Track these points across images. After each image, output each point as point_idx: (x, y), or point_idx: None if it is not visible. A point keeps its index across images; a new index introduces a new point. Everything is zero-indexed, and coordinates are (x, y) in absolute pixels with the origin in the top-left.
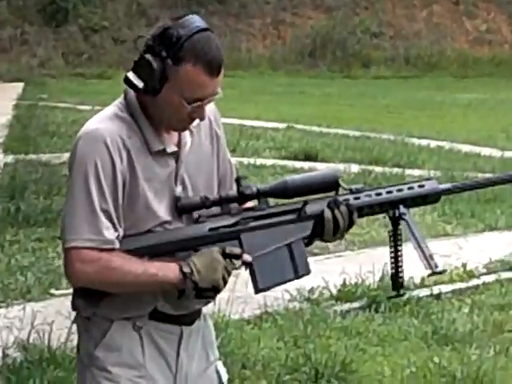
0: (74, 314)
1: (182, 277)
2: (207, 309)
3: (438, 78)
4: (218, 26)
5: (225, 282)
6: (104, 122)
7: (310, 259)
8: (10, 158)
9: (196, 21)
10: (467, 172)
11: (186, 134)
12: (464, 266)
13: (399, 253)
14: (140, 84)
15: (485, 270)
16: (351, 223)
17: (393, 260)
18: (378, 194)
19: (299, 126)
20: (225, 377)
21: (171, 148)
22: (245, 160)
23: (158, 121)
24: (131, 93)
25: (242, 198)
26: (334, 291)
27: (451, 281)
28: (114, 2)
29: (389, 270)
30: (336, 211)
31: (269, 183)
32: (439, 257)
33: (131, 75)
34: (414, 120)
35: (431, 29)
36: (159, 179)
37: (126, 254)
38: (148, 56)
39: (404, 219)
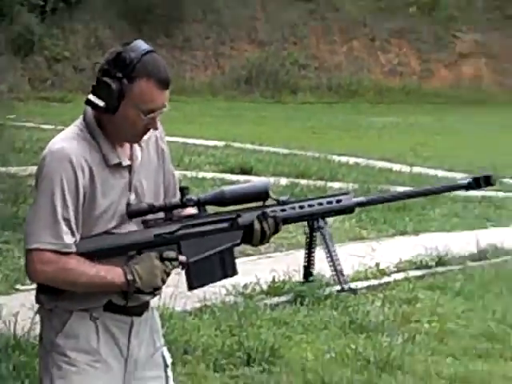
0: (37, 306)
1: (126, 282)
2: (154, 302)
3: (356, 104)
4: (166, 57)
5: (163, 282)
6: (68, 141)
7: (244, 259)
8: None
9: (142, 45)
10: (381, 185)
11: (137, 148)
12: (377, 265)
13: (312, 252)
14: (101, 103)
15: (395, 269)
16: (276, 231)
17: (306, 256)
18: (301, 207)
19: (236, 144)
20: (169, 360)
21: (126, 161)
22: (188, 173)
23: (114, 137)
24: (89, 114)
25: (184, 205)
26: (265, 287)
27: (366, 278)
28: (74, 35)
29: (313, 269)
30: (264, 223)
31: (208, 193)
32: (356, 258)
33: (92, 97)
34: (336, 140)
35: (351, 61)
36: (115, 189)
37: (80, 257)
38: (106, 79)
39: (321, 233)
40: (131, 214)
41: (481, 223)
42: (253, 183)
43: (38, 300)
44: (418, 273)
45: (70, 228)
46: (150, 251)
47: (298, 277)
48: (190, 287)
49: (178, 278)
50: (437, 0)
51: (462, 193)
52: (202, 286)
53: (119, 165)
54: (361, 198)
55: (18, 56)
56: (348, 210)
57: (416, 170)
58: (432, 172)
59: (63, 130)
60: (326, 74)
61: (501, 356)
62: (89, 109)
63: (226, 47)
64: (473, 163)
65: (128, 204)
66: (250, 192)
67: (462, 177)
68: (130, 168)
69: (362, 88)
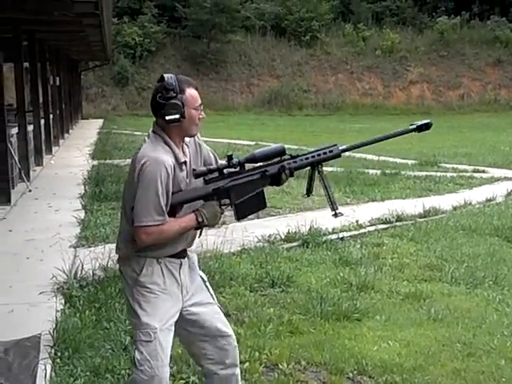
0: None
1: (197, 222)
2: (190, 250)
3: (341, 116)
4: (215, 86)
5: (219, 220)
6: (158, 152)
7: (269, 218)
8: (95, 162)
9: (169, 74)
10: (358, 168)
11: (186, 147)
12: (357, 221)
13: (312, 182)
14: (177, 116)
15: (369, 224)
16: (292, 176)
17: (308, 183)
18: (307, 159)
19: (262, 143)
20: (205, 277)
21: (185, 159)
22: None
23: (178, 138)
24: (156, 128)
25: (230, 166)
26: (283, 236)
27: (349, 230)
28: (154, 72)
29: (313, 225)
30: (283, 173)
31: (245, 155)
32: (343, 217)
33: (168, 117)
34: (328, 139)
35: (337, 87)
36: (181, 177)
37: (168, 219)
38: (169, 101)
39: (320, 174)
40: (196, 175)
41: (425, 193)
42: (273, 146)
43: (117, 251)
44: (384, 226)
45: (165, 209)
46: (211, 200)
47: (304, 229)
48: (237, 218)
49: (225, 230)
50: (394, 45)
51: (412, 172)
52: (246, 216)
53: (184, 162)
54: (344, 146)
55: (118, 87)
56: (337, 156)
57: (381, 158)
58: (392, 159)
59: (148, 134)
60: (321, 96)
61: (439, 280)
62: (155, 125)
63: (255, 79)
64: (419, 153)
65: (194, 169)
66: (272, 152)
67: (412, 123)
68: (185, 163)
69: (345, 105)
